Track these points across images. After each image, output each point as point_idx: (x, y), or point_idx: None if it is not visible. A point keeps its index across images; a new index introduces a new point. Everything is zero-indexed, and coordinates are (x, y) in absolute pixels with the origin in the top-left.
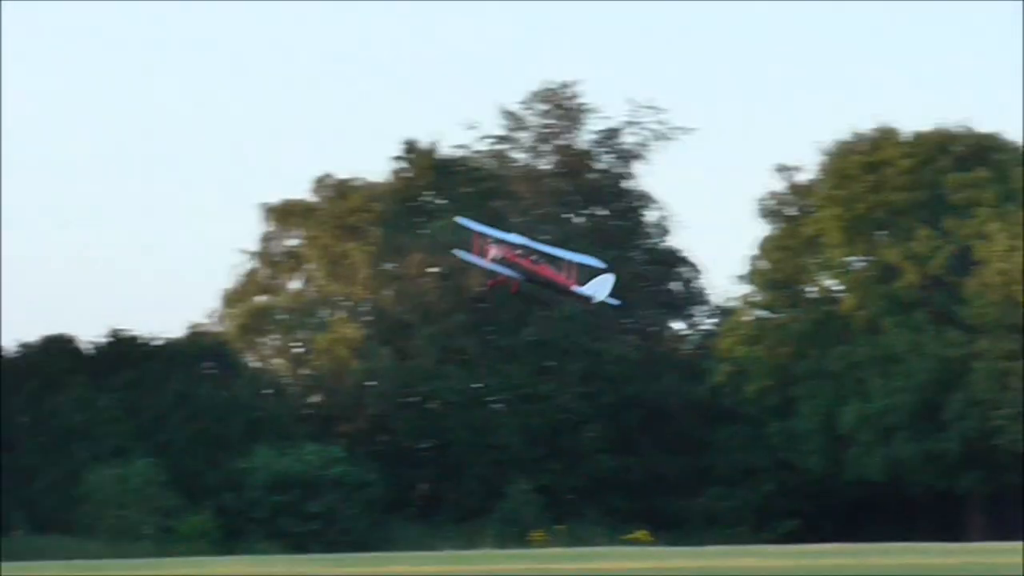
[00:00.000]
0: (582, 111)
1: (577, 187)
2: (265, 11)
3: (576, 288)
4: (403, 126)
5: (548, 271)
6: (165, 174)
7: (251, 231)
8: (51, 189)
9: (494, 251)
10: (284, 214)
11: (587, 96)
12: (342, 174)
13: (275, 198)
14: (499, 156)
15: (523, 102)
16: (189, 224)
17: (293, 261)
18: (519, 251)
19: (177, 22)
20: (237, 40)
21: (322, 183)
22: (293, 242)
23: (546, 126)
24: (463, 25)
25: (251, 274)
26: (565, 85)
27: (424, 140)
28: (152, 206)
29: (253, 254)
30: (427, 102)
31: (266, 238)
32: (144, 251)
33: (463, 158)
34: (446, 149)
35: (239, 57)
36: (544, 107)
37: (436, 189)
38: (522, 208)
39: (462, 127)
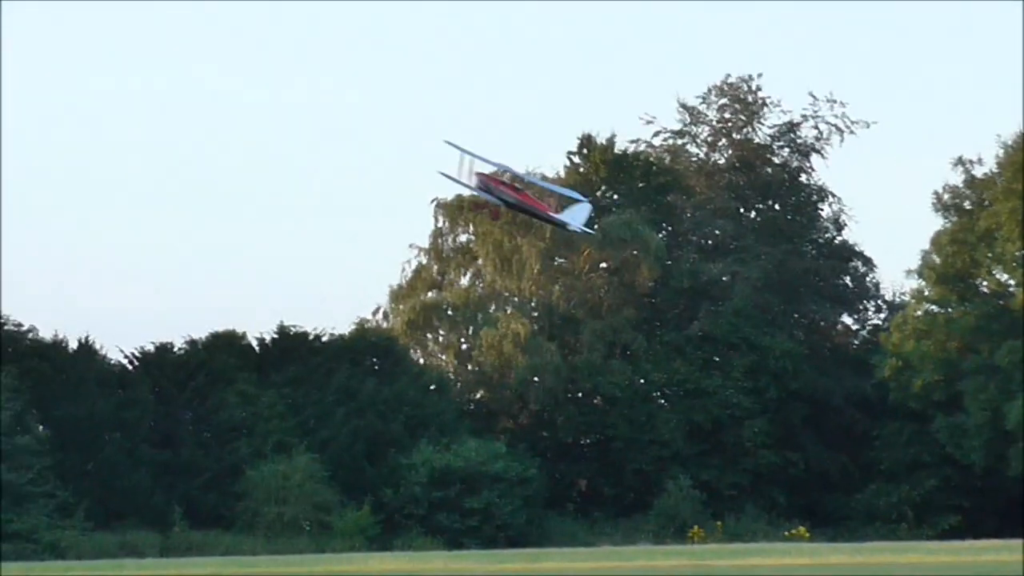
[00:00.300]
0: (760, 105)
1: (752, 181)
2: (443, 7)
3: (554, 215)
4: (580, 120)
5: (529, 198)
6: (337, 169)
7: (422, 227)
8: (219, 186)
9: (479, 175)
10: (456, 209)
11: (766, 90)
12: (516, 169)
13: (448, 194)
14: (675, 150)
15: (701, 96)
16: (360, 220)
17: (463, 257)
18: (504, 177)
19: (354, 13)
20: (412, 33)
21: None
22: (464, 238)
23: (723, 120)
24: (642, 19)
25: (420, 270)
26: (744, 79)
27: (601, 135)
28: (322, 202)
29: (423, 250)
30: (604, 96)
31: (437, 234)
32: (313, 246)
33: (639, 153)
34: (622, 143)
35: (415, 50)
36: (722, 101)
37: (610, 184)
38: (696, 203)
39: (639, 121)
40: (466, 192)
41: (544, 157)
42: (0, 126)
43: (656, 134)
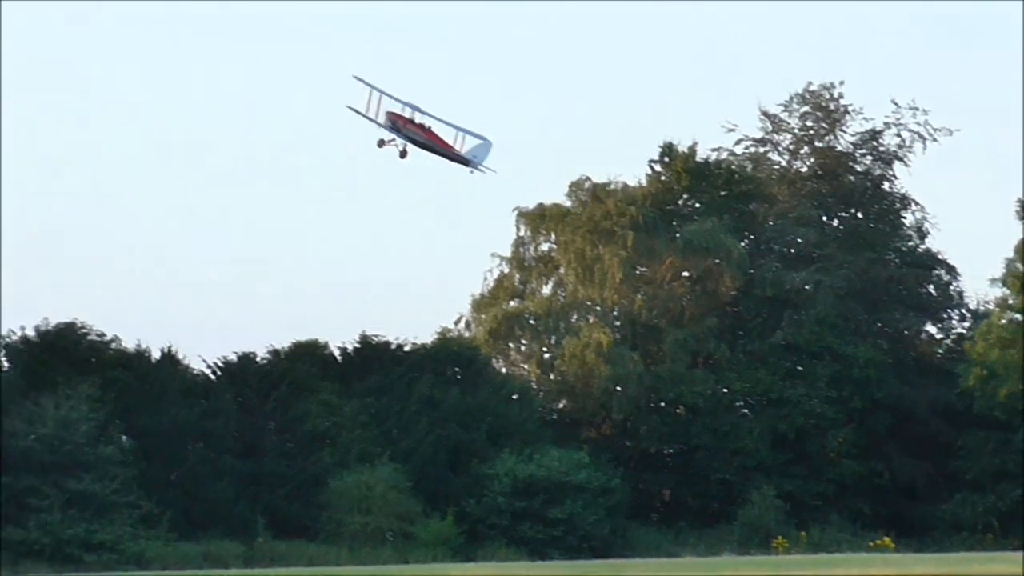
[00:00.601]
0: (843, 113)
1: (835, 190)
2: (520, 12)
3: (457, 153)
4: (662, 128)
5: (436, 137)
6: (419, 177)
7: (505, 236)
8: (301, 194)
9: (389, 114)
10: (538, 218)
11: (848, 97)
12: (598, 177)
13: (530, 202)
14: (757, 158)
15: (783, 104)
16: (442, 229)
17: (545, 266)
18: (410, 115)
19: (428, 14)
20: (493, 40)
21: (578, 187)
22: (546, 247)
23: (805, 128)
24: (724, 26)
25: (502, 279)
26: (826, 86)
27: (682, 142)
28: (404, 211)
29: (505, 259)
30: (686, 104)
31: (519, 243)
32: (396, 256)
33: (720, 161)
34: (704, 151)
35: (495, 58)
36: (804, 109)
37: (692, 192)
38: (778, 211)
39: (721, 129)
40: (390, 137)
41: (626, 165)
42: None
43: (738, 142)
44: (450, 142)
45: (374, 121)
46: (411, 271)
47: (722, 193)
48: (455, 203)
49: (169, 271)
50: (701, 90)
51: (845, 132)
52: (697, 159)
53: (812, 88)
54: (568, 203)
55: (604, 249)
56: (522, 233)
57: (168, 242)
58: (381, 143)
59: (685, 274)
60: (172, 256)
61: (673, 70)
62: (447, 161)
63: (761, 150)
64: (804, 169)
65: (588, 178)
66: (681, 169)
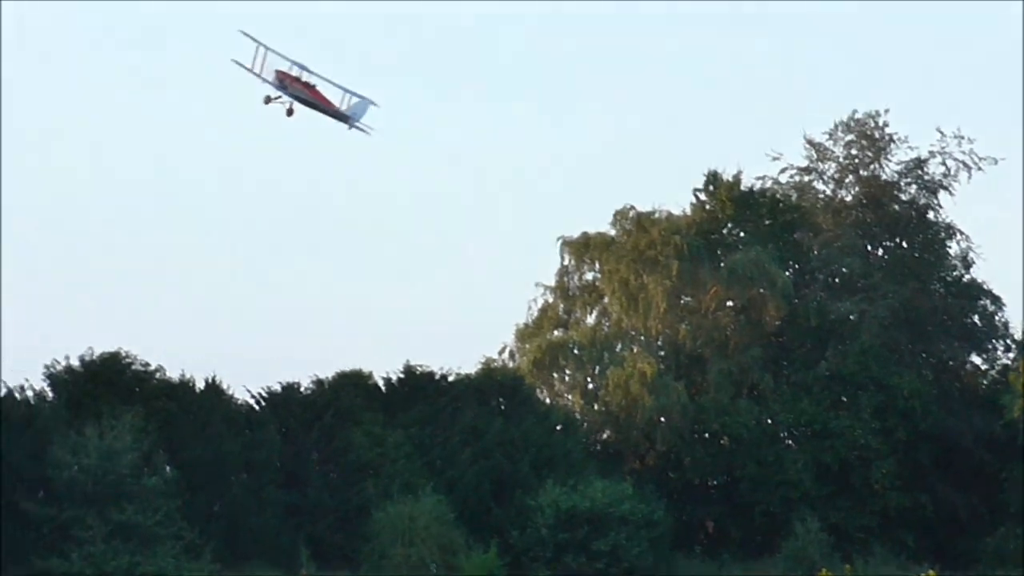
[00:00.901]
0: (888, 141)
1: (880, 219)
2: (563, 40)
3: (340, 110)
4: (706, 157)
5: (320, 95)
6: (463, 206)
7: (549, 265)
8: (343, 224)
9: (277, 72)
10: (582, 247)
11: (894, 125)
12: (643, 206)
13: (574, 231)
14: (802, 187)
15: (828, 132)
16: (486, 257)
17: (590, 295)
18: (297, 73)
19: (476, 46)
20: (537, 70)
21: (622, 215)
22: (590, 276)
23: (850, 157)
24: (768, 54)
25: (546, 308)
26: (871, 115)
27: (727, 171)
28: (448, 239)
29: (549, 288)
30: (731, 132)
31: (563, 272)
32: (439, 284)
33: (765, 189)
34: (748, 180)
35: (538, 86)
36: (849, 137)
37: (736, 221)
38: (824, 240)
39: (765, 158)
40: (276, 94)
41: (671, 194)
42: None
43: (783, 171)
44: (336, 102)
45: (261, 78)
46: (455, 300)
47: (767, 222)
48: (499, 232)
49: (213, 299)
50: (746, 118)
51: (890, 161)
52: (742, 188)
53: (857, 116)
54: (612, 232)
55: (648, 278)
56: (566, 262)
57: (211, 272)
58: (267, 100)
59: (730, 303)
60: (215, 285)
61: (718, 98)
62: (329, 117)
63: (806, 179)
64: (849, 198)
65: (632, 207)
66: (726, 198)
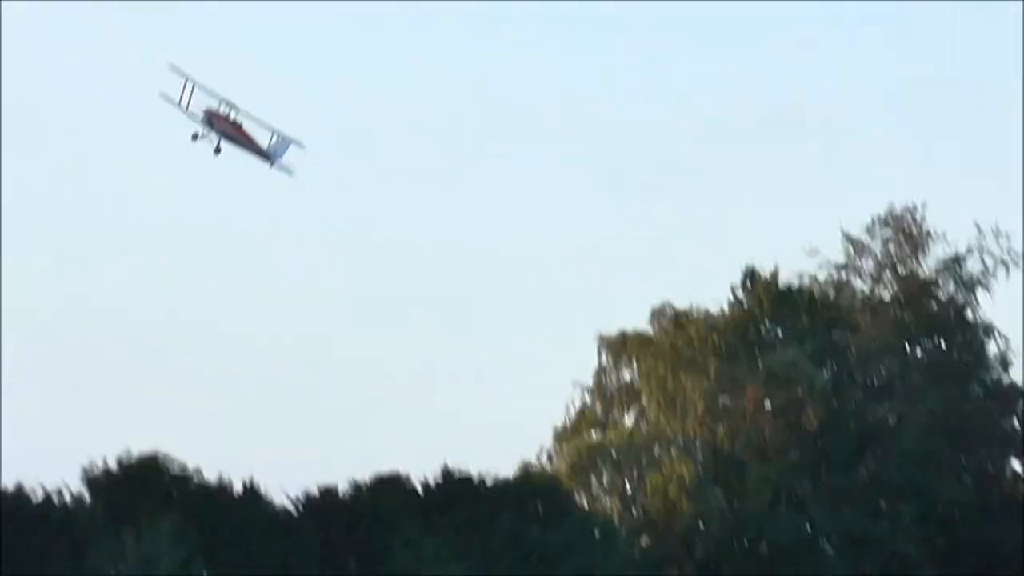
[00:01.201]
0: (926, 237)
1: (918, 318)
2: (601, 137)
3: (263, 149)
4: (743, 252)
5: (245, 134)
6: (498, 302)
7: (586, 362)
8: (378, 321)
9: (207, 111)
10: (620, 346)
11: (932, 221)
12: (680, 303)
13: (612, 328)
14: (839, 284)
15: (866, 227)
16: (521, 356)
17: (627, 395)
18: (227, 112)
19: (511, 144)
20: (573, 164)
21: (660, 313)
22: (628, 375)
23: (888, 253)
24: (806, 149)
25: (584, 409)
26: (909, 209)
27: (764, 267)
28: (483, 336)
29: (587, 388)
30: (768, 228)
31: (600, 371)
32: (475, 383)
33: (803, 287)
34: (786, 276)
35: (576, 180)
36: (887, 233)
37: (774, 319)
38: (861, 339)
39: (803, 253)
40: (204, 131)
41: (707, 290)
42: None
43: (820, 267)
44: (262, 141)
45: (188, 113)
46: (493, 398)
47: (805, 320)
48: (535, 329)
49: (250, 400)
50: (783, 213)
51: (928, 257)
52: (779, 285)
53: (895, 212)
54: (650, 330)
55: (686, 378)
56: (604, 361)
57: (249, 371)
58: (195, 137)
59: (768, 405)
60: (252, 385)
61: (754, 194)
62: (253, 155)
63: (844, 275)
64: (887, 296)
65: (670, 304)
66: (763, 295)
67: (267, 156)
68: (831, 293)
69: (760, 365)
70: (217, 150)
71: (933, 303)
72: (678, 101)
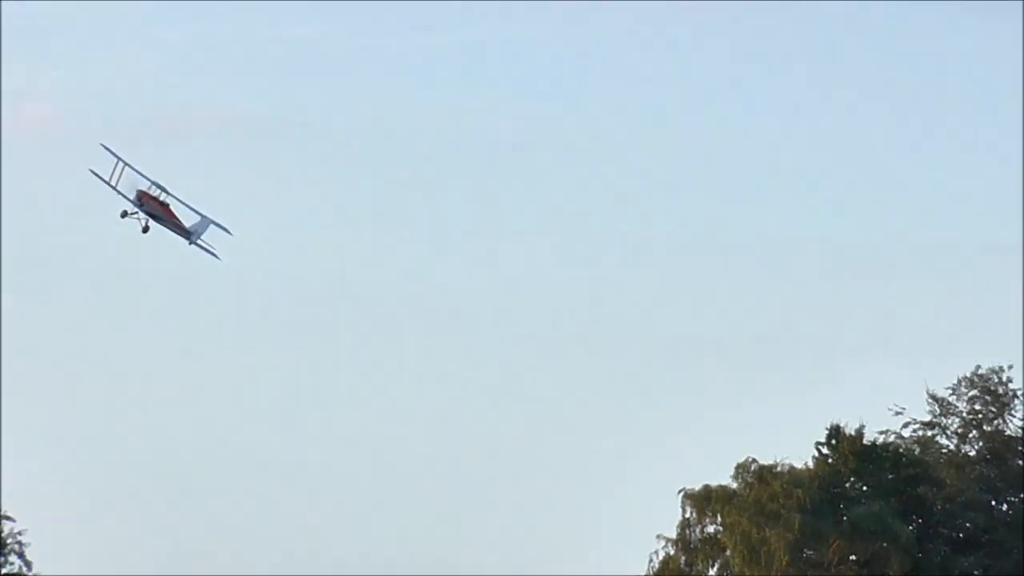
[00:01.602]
0: (1011, 397)
1: (1003, 473)
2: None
3: (183, 227)
4: (828, 410)
5: (171, 213)
6: (578, 458)
7: (670, 517)
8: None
9: (139, 192)
10: (703, 500)
11: (1016, 382)
12: (764, 459)
13: (696, 483)
14: (925, 442)
15: (951, 387)
16: (606, 510)
17: (711, 548)
18: (157, 193)
19: (604, 295)
20: (662, 318)
21: (744, 468)
22: (712, 528)
23: (974, 412)
24: (891, 309)
25: (668, 561)
26: (994, 370)
27: (849, 425)
28: (565, 490)
29: (670, 540)
30: (853, 386)
31: (684, 524)
32: (563, 538)
33: (888, 444)
34: (871, 434)
35: (660, 338)
36: (972, 393)
37: (859, 475)
38: (947, 494)
39: (888, 412)
40: (133, 210)
41: (792, 447)
42: None
43: (905, 425)
44: (185, 220)
45: (116, 190)
46: (579, 552)
47: (890, 476)
48: (620, 484)
49: None
50: (870, 372)
51: (1014, 416)
52: (864, 442)
53: (981, 372)
54: (734, 484)
55: (770, 531)
56: (688, 515)
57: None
58: (124, 214)
59: (852, 557)
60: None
61: (840, 352)
62: (174, 233)
63: (929, 433)
64: (972, 453)
65: (754, 459)
66: (848, 452)
67: (185, 232)
68: (916, 450)
69: (844, 519)
70: (145, 229)
71: (1019, 460)
72: (768, 257)
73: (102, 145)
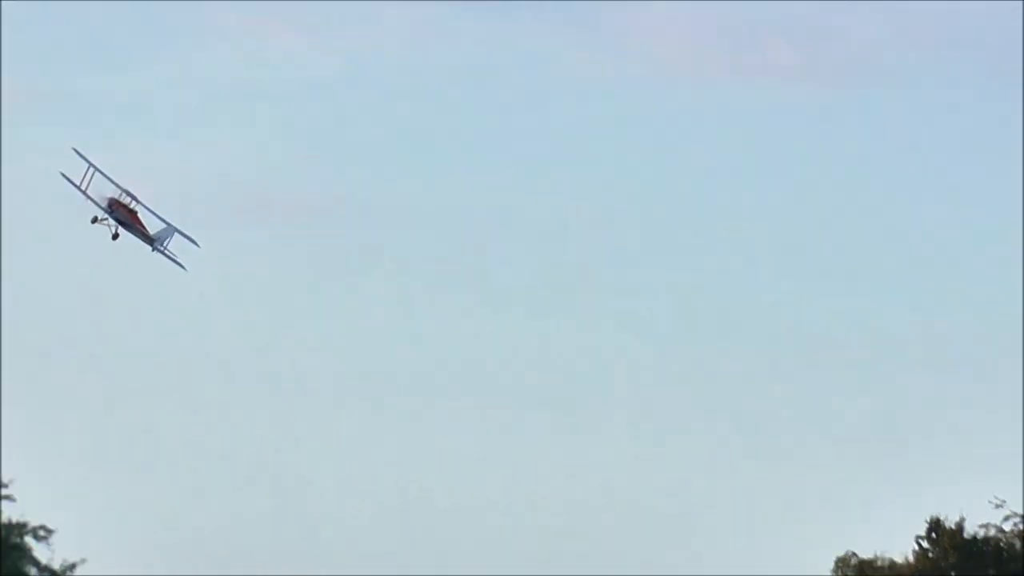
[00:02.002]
0: None
1: None
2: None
3: (148, 234)
4: (928, 503)
5: (138, 220)
6: (678, 552)
7: None
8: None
9: (110, 199)
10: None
11: None
12: (864, 552)
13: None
14: None
15: None
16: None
17: None
18: (127, 201)
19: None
20: (746, 413)
21: (844, 562)
22: None
23: None
24: (989, 397)
25: None
26: None
27: (949, 518)
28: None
29: None
30: (953, 478)
31: None
32: None
33: (989, 538)
34: (971, 527)
35: (750, 429)
36: None
37: (960, 569)
38: None
39: (988, 505)
40: (103, 216)
41: (892, 541)
42: None
43: (1006, 518)
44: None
45: (87, 195)
46: None
47: (991, 571)
48: (768, 548)
49: None
50: (970, 464)
51: None
52: (965, 536)
53: None
54: None
55: None
56: None
57: None
58: (95, 220)
59: None
60: None
61: (936, 446)
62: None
63: None
64: None
65: (854, 553)
66: (949, 546)
67: (149, 239)
68: (1017, 545)
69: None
70: (115, 237)
71: None
72: (865, 348)
73: (74, 150)
